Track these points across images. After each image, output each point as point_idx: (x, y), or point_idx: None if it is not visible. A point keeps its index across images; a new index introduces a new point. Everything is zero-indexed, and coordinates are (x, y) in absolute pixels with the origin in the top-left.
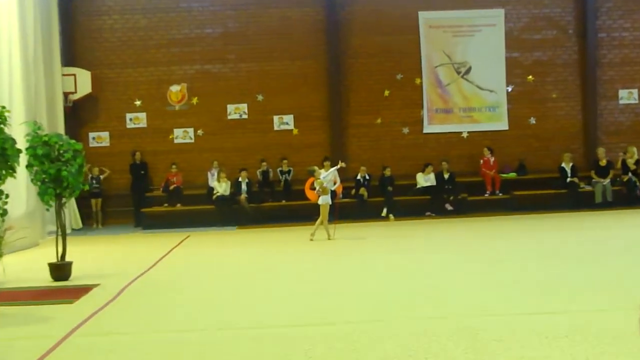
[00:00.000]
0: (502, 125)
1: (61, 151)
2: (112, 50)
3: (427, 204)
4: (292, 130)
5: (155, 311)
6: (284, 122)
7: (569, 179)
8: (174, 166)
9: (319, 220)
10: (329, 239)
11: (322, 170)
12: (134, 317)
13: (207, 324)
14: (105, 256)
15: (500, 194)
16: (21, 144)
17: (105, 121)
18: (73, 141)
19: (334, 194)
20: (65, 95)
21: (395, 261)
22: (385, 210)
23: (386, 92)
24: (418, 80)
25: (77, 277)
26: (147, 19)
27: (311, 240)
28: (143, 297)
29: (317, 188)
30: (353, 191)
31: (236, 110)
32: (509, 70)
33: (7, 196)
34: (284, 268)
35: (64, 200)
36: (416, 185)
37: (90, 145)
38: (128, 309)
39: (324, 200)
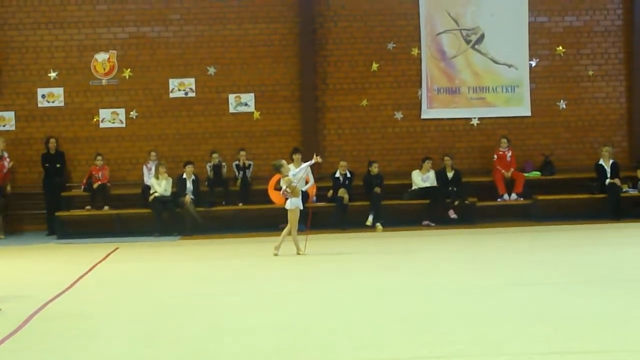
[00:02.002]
0: (523, 110)
1: None
2: (19, 6)
3: (425, 210)
4: (252, 113)
5: (71, 346)
6: (242, 102)
7: (608, 181)
8: (99, 158)
9: (286, 230)
10: (298, 253)
11: (292, 166)
12: (43, 355)
13: None
14: (7, 274)
15: (521, 199)
16: None
17: (9, 98)
18: None
19: (305, 196)
20: None
21: (383, 285)
22: (371, 218)
23: (374, 66)
24: (415, 51)
25: None
26: None
27: (275, 255)
28: (56, 328)
29: (284, 188)
30: (330, 193)
31: (180, 87)
32: (533, 39)
33: None
34: (239, 291)
35: None
36: (411, 186)
37: None
38: (35, 343)
39: (293, 204)
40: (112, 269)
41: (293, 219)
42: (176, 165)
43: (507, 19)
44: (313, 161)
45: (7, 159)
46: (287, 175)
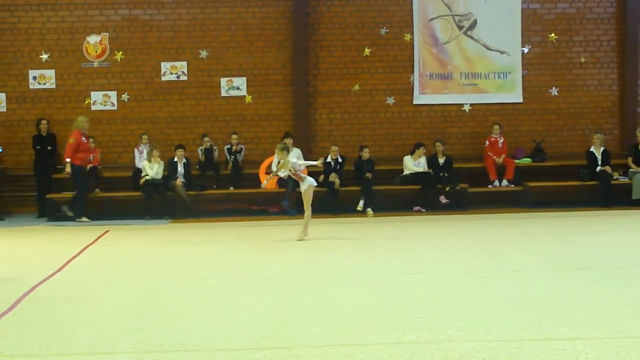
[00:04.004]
0: (515, 96)
1: None
2: None
3: (416, 195)
4: (244, 97)
5: (61, 328)
6: (234, 86)
7: (599, 168)
8: (90, 140)
9: (307, 215)
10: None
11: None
12: (33, 336)
13: (128, 345)
14: None
15: (511, 186)
16: None
17: (0, 80)
18: None
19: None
20: None
21: (372, 270)
22: (361, 203)
23: (366, 51)
24: (408, 37)
25: None
26: None
27: (303, 239)
28: (45, 310)
29: (280, 173)
30: (321, 177)
31: (172, 70)
32: (526, 25)
33: None
34: (229, 275)
35: None
36: (403, 171)
37: None
38: (26, 325)
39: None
40: (103, 251)
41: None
42: (168, 148)
43: (499, 6)
44: (315, 163)
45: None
46: (288, 160)
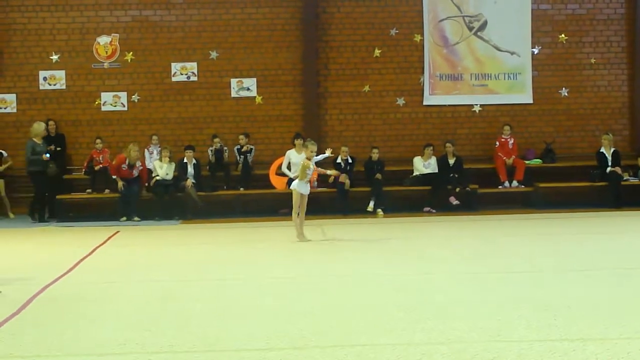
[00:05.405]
0: (525, 97)
1: None
2: None
3: (427, 196)
4: (254, 97)
5: (73, 328)
6: (245, 87)
7: (609, 169)
8: (98, 141)
9: (293, 214)
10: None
11: (293, 151)
12: (44, 336)
13: (138, 345)
14: (8, 256)
15: (522, 186)
16: None
17: (11, 80)
18: None
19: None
20: None
21: (382, 271)
22: (372, 204)
23: (376, 52)
24: (418, 37)
25: None
26: None
27: (309, 240)
28: (56, 310)
29: (290, 174)
30: (331, 179)
31: (183, 71)
32: (536, 26)
33: None
34: (239, 276)
35: None
36: (413, 172)
37: None
38: (37, 325)
39: (294, 186)
40: (113, 252)
41: (294, 200)
42: (178, 149)
43: (509, 6)
44: (327, 154)
45: (139, 168)
46: (310, 158)
